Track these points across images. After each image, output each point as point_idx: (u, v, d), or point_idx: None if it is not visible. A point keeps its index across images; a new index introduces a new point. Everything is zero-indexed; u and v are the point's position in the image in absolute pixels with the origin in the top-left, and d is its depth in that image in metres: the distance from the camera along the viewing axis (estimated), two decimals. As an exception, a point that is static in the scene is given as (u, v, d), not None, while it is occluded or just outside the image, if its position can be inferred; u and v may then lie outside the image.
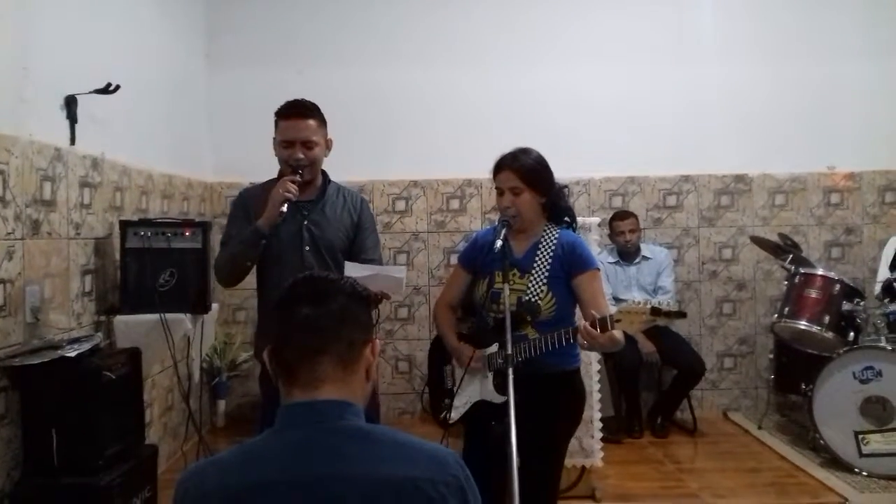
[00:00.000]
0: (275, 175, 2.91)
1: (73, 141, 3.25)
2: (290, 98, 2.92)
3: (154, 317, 3.27)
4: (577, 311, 2.69)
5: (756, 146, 5.42)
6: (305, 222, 2.87)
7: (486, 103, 5.31)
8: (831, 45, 5.40)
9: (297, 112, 2.85)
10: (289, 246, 2.84)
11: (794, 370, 4.68)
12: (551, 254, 2.64)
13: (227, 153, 5.26)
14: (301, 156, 2.82)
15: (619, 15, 5.41)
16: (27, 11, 2.94)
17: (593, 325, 2.39)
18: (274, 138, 2.90)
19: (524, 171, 2.63)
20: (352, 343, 1.42)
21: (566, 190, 2.80)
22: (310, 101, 2.90)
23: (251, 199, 2.91)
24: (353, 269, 2.71)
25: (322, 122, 2.90)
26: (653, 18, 5.42)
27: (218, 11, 5.30)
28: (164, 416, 4.25)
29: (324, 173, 2.98)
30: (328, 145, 2.94)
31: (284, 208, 2.73)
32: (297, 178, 2.79)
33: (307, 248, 2.85)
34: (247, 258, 2.83)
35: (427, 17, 5.39)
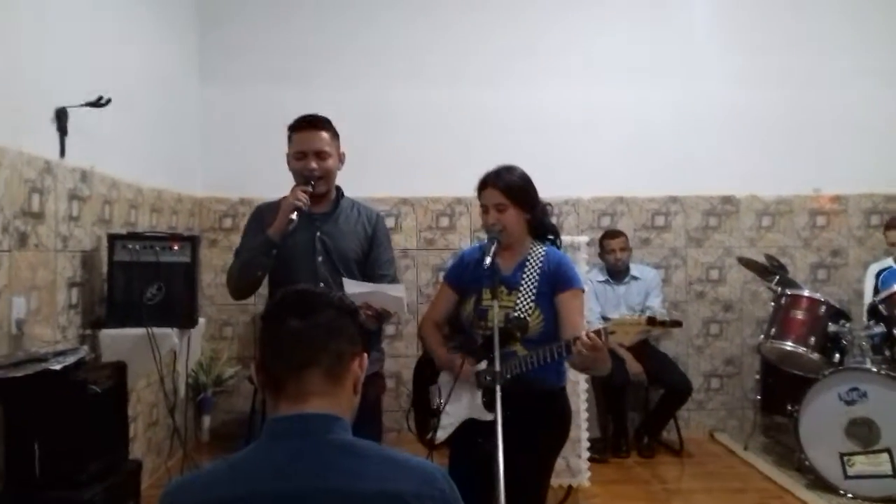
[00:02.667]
0: (281, 194, 2.91)
1: (62, 153, 3.24)
2: (282, 115, 2.93)
3: (140, 331, 3.25)
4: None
5: (743, 168, 5.47)
6: (318, 233, 2.86)
7: (476, 122, 5.34)
8: (819, 69, 5.46)
9: (309, 124, 2.87)
10: (301, 257, 2.84)
11: (781, 391, 4.70)
12: (538, 271, 2.65)
13: (218, 169, 5.26)
14: (314, 166, 2.82)
15: (611, 35, 5.46)
16: (19, 23, 2.94)
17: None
18: (287, 154, 2.91)
19: (508, 187, 2.66)
20: (340, 356, 1.42)
21: (549, 207, 2.83)
22: (322, 115, 2.92)
23: (266, 213, 2.92)
24: (352, 286, 2.71)
25: (334, 135, 2.92)
26: (643, 39, 5.47)
27: (211, 28, 5.31)
28: (148, 431, 4.21)
29: (338, 188, 2.99)
30: (341, 158, 2.95)
31: (294, 216, 2.72)
32: (309, 188, 2.79)
33: (320, 258, 2.84)
34: (257, 268, 2.82)
35: (419, 35, 5.42)
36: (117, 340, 3.29)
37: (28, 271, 2.96)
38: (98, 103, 3.34)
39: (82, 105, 3.29)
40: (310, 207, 2.79)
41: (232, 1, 5.38)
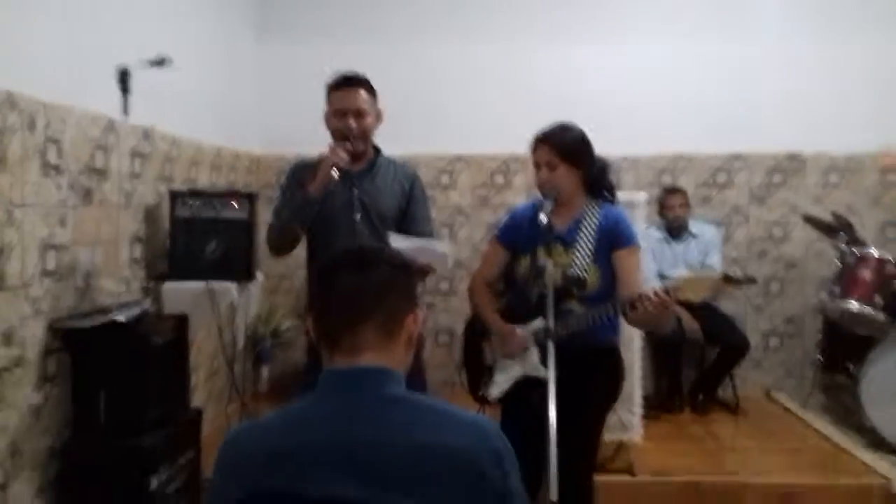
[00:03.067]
0: (323, 150, 2.92)
1: (125, 112, 3.30)
2: (338, 71, 2.93)
3: (201, 284, 3.34)
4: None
5: (810, 123, 5.25)
6: (356, 191, 2.88)
7: (532, 78, 5.26)
8: (891, 24, 5.20)
9: (349, 83, 2.88)
10: (340, 214, 2.87)
11: (842, 351, 4.61)
12: (595, 228, 2.63)
13: (275, 127, 5.30)
14: (353, 124, 2.84)
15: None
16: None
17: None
18: (325, 111, 2.92)
19: (560, 145, 2.62)
20: (394, 311, 1.44)
21: (609, 165, 2.77)
22: (360, 74, 2.92)
23: (303, 171, 2.94)
24: (397, 241, 2.72)
25: (373, 93, 2.92)
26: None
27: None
28: (209, 381, 4.34)
29: (375, 147, 3.00)
30: (379, 117, 2.95)
31: (335, 173, 2.74)
32: (348, 145, 2.81)
33: (358, 216, 2.86)
34: (297, 226, 2.86)
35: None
36: (179, 293, 3.39)
37: (93, 226, 3.05)
38: (159, 62, 3.38)
39: (144, 65, 3.33)
40: (347, 161, 2.80)
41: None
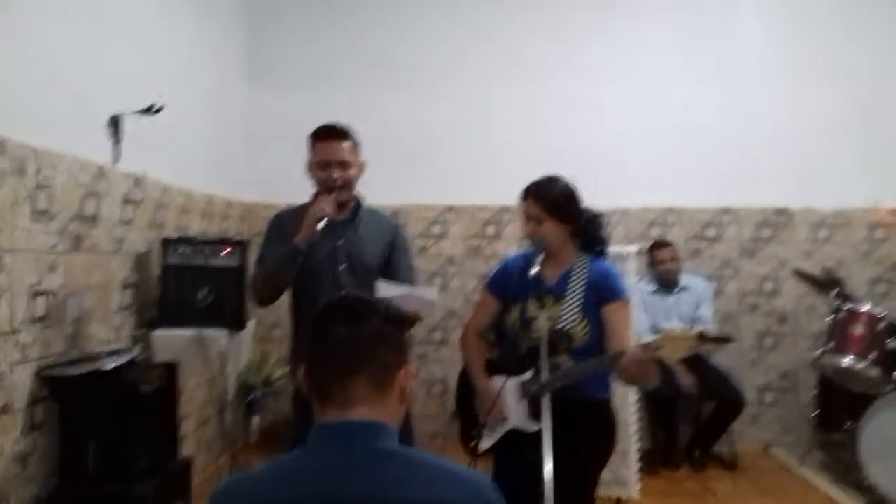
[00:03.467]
0: (308, 199, 2.92)
1: (116, 159, 3.31)
2: (329, 121, 2.95)
3: (191, 332, 3.31)
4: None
5: (799, 178, 5.33)
6: (340, 241, 2.88)
7: (525, 130, 5.32)
8: (880, 76, 5.31)
9: (332, 134, 2.89)
10: (323, 265, 2.85)
11: (838, 407, 4.58)
12: (584, 281, 2.62)
13: (266, 174, 5.31)
14: (337, 175, 2.84)
15: (662, 43, 5.39)
16: (75, 34, 3.02)
17: None
18: (308, 161, 2.93)
19: (546, 199, 2.63)
20: (386, 365, 1.42)
21: (600, 218, 2.77)
22: (344, 124, 2.94)
23: (286, 221, 2.93)
24: (385, 289, 2.71)
25: (356, 144, 2.93)
26: (696, 46, 5.39)
27: (259, 35, 5.40)
28: (199, 430, 4.26)
29: (356, 197, 3.01)
30: (362, 167, 2.96)
31: (321, 225, 2.73)
32: (334, 196, 2.81)
33: (342, 266, 2.85)
34: (282, 276, 2.83)
35: (469, 42, 5.43)
36: (169, 341, 3.35)
37: (84, 273, 3.02)
38: (150, 110, 3.40)
39: (135, 112, 3.35)
40: (333, 213, 2.80)
41: (280, 9, 5.44)
